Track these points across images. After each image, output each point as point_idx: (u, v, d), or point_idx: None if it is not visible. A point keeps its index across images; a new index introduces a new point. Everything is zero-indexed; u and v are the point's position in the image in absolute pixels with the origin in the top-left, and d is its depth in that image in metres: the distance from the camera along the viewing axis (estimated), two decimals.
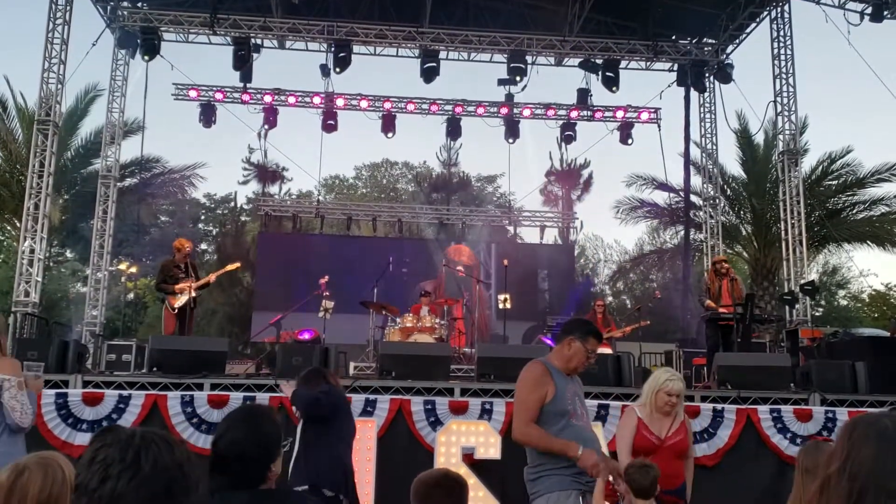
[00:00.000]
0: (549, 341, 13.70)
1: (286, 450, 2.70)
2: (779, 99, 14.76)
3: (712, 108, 17.08)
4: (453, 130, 17.82)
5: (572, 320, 4.40)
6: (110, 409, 6.63)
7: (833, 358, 9.42)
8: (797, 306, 13.90)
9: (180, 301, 9.97)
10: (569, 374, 4.12)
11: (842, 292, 32.23)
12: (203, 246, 32.00)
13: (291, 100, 16.99)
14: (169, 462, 1.53)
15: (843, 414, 7.35)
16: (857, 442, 1.52)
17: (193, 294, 10.04)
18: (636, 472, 4.20)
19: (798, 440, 7.18)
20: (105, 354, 8.82)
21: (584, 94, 17.28)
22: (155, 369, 7.65)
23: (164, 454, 1.54)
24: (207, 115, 16.72)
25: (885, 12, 13.25)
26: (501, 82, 16.80)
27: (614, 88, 16.17)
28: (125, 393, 6.77)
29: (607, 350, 12.20)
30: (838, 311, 30.21)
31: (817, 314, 25.63)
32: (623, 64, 16.41)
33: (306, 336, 11.29)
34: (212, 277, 10.96)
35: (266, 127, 17.30)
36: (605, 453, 4.21)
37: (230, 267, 11.76)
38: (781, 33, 14.91)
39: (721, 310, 10.06)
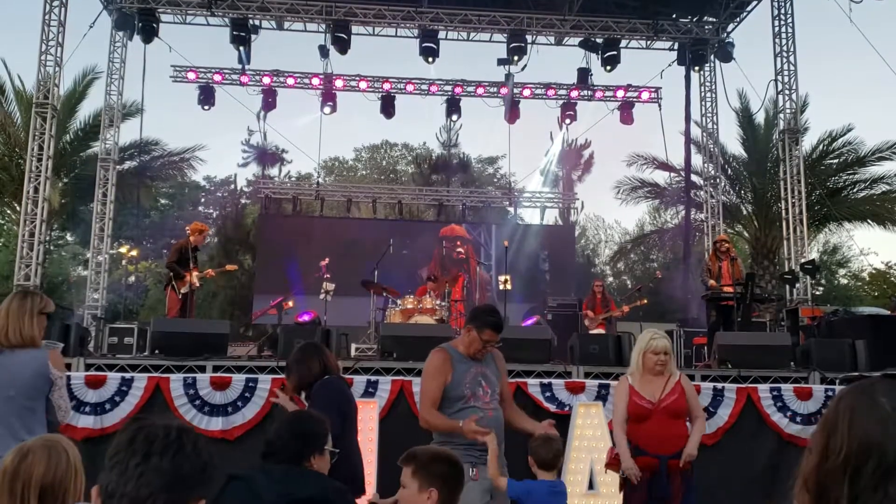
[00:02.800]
0: (529, 321, 13.79)
1: (334, 460, 3.10)
2: (779, 77, 14.70)
3: (713, 87, 17.01)
4: (453, 111, 17.76)
5: (477, 308, 4.63)
6: (113, 391, 6.65)
7: (833, 336, 9.45)
8: (797, 285, 13.92)
9: (187, 287, 10.23)
10: (472, 358, 4.32)
11: (842, 271, 32.23)
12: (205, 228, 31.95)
13: (290, 81, 16.90)
14: (203, 446, 1.63)
15: None
16: (844, 414, 1.52)
17: (197, 285, 10.52)
18: (539, 446, 4.18)
19: (798, 419, 7.22)
20: (107, 337, 8.87)
21: (584, 73, 17.19)
22: (157, 352, 7.68)
23: (199, 438, 1.64)
24: (206, 97, 16.64)
25: None
26: (501, 62, 16.70)
27: (608, 67, 16.12)
28: (128, 376, 6.79)
29: (602, 330, 12.28)
30: (839, 290, 30.23)
31: (818, 293, 25.64)
32: (623, 43, 16.31)
33: (305, 318, 11.33)
34: (211, 273, 11.88)
35: (265, 109, 17.23)
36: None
37: (230, 267, 12.91)
38: (782, 11, 14.81)
39: (724, 288, 10.10)
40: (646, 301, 13.50)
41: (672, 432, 4.76)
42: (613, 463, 4.79)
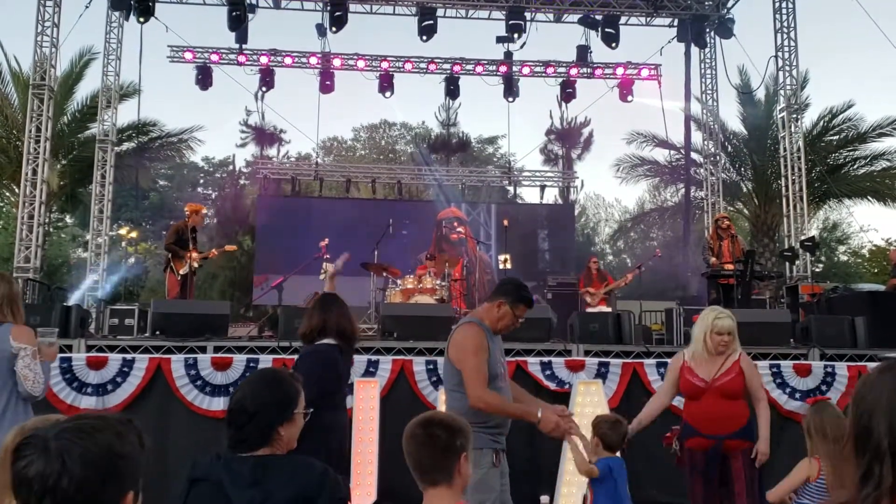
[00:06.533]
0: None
1: (307, 420, 2.64)
2: (780, 54, 14.60)
3: (713, 63, 16.92)
4: (452, 90, 17.67)
5: (508, 282, 4.34)
6: (115, 372, 6.68)
7: (833, 313, 9.47)
8: (797, 262, 13.92)
9: (186, 268, 10.24)
10: (495, 333, 4.16)
11: (842, 248, 32.27)
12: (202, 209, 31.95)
13: (288, 61, 16.82)
14: (95, 453, 1.51)
15: (842, 369, 7.41)
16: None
17: (196, 265, 10.55)
18: (609, 429, 4.48)
19: (797, 395, 7.25)
20: (108, 319, 8.86)
21: (583, 51, 17.08)
22: (158, 333, 7.70)
23: (88, 449, 1.51)
24: (204, 77, 16.54)
25: None
26: (500, 40, 16.59)
27: (614, 45, 15.97)
28: (129, 357, 6.81)
29: (604, 306, 12.28)
30: (838, 267, 30.27)
31: (817, 270, 25.67)
32: (623, 20, 16.19)
33: None
34: (214, 252, 11.80)
35: (263, 89, 17.14)
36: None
37: (229, 248, 12.72)
38: None
39: (725, 266, 10.13)
40: (639, 272, 13.48)
41: (727, 412, 4.60)
42: (670, 438, 4.78)
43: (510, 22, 15.69)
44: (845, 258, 32.02)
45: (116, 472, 1.52)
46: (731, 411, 4.61)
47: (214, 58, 16.60)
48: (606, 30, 15.86)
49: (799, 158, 14.50)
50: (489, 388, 3.92)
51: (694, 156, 19.27)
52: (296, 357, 4.65)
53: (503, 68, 17.29)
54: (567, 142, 25.69)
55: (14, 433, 2.22)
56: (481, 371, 3.90)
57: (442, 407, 6.77)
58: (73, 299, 13.86)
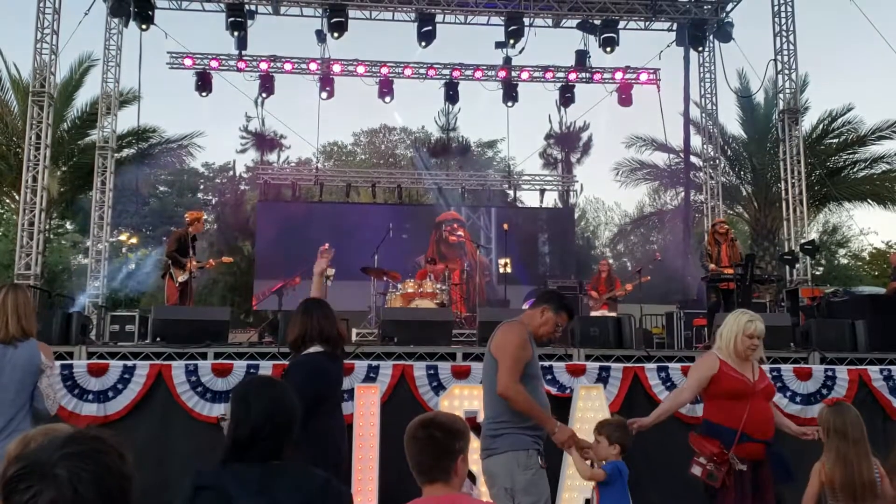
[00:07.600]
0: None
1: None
2: (779, 57, 14.62)
3: (712, 67, 16.95)
4: (452, 95, 17.70)
5: (551, 291, 4.71)
6: (116, 379, 6.67)
7: (833, 317, 9.48)
8: (797, 266, 13.93)
9: (184, 276, 10.30)
10: (535, 339, 4.35)
11: (842, 251, 32.23)
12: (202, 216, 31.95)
13: (287, 66, 16.85)
14: (104, 476, 1.50)
15: (842, 372, 7.40)
16: None
17: (195, 275, 10.70)
18: (620, 432, 4.49)
19: (797, 399, 7.24)
20: (108, 325, 8.88)
21: (582, 55, 17.12)
22: (158, 339, 7.70)
23: (97, 474, 1.50)
24: (203, 83, 16.57)
25: None
26: (499, 45, 16.62)
27: (609, 49, 16.01)
28: (130, 363, 6.81)
29: (606, 311, 12.29)
30: (838, 270, 30.23)
31: (817, 273, 25.67)
32: (622, 24, 16.23)
33: None
34: (211, 263, 12.08)
35: (263, 94, 17.17)
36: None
37: (226, 259, 13.15)
38: None
39: (725, 270, 10.12)
40: (648, 278, 13.42)
41: (769, 416, 4.52)
42: (722, 453, 4.28)
43: (509, 27, 15.73)
44: (845, 261, 31.99)
45: (123, 494, 1.53)
46: (771, 415, 4.59)
47: (214, 64, 16.62)
48: (605, 34, 15.90)
49: (798, 162, 14.52)
50: (527, 386, 4.09)
51: (693, 159, 19.30)
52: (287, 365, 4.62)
53: (502, 73, 17.31)
54: (566, 146, 25.72)
55: (17, 441, 2.23)
56: (518, 365, 4.08)
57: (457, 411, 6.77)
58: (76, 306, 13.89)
